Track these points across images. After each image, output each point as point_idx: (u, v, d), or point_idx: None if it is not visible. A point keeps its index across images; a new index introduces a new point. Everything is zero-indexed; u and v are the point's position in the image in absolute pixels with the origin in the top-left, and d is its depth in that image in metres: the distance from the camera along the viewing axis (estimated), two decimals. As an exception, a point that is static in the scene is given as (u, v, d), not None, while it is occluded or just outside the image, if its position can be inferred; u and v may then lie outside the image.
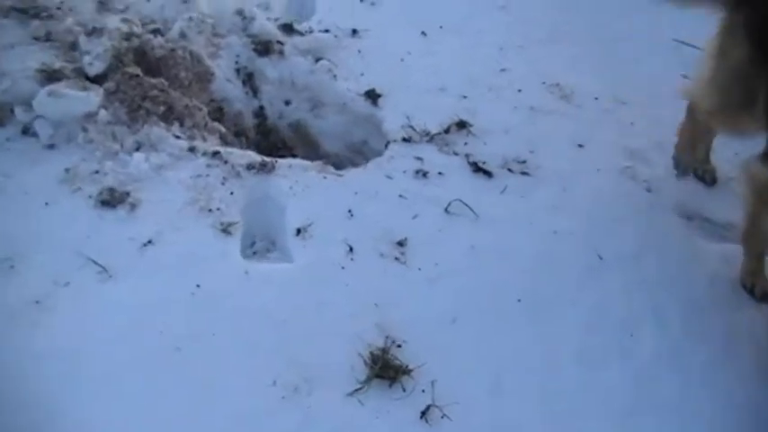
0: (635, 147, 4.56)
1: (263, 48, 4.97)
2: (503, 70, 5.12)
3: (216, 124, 4.56)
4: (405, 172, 4.29)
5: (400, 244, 3.94)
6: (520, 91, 4.96)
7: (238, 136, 4.73)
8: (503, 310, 3.54)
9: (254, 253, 3.99)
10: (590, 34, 5.45)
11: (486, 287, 3.62)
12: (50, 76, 4.40)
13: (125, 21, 4.84)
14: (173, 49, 4.62)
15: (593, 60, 5.23)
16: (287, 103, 4.93)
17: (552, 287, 3.67)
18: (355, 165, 4.60)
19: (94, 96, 4.30)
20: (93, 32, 4.67)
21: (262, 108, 4.92)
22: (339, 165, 4.62)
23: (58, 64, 4.48)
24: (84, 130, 4.24)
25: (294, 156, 4.79)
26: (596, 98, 4.97)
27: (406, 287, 3.64)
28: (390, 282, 3.68)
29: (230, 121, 4.78)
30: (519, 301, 3.59)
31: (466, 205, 4.04)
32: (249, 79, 4.93)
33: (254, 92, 4.93)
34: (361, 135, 4.85)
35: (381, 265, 3.77)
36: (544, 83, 5.06)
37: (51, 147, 4.17)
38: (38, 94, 4.26)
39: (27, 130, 4.23)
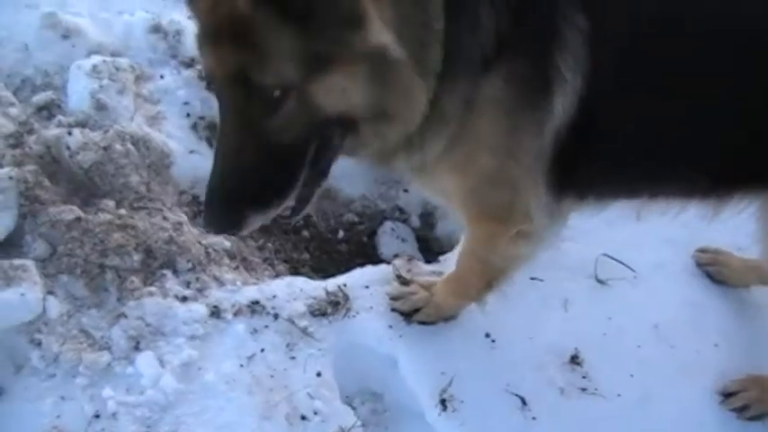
0: None
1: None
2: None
3: (214, 239, 2.84)
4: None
5: (575, 360, 2.66)
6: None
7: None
8: None
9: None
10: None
11: None
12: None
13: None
14: (105, 147, 2.72)
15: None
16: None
17: None
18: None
19: (28, 284, 2.48)
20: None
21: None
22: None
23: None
24: (37, 344, 2.48)
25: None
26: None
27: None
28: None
29: (216, 209, 3.04)
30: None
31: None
32: (214, 133, 3.11)
33: (229, 150, 3.13)
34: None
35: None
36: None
37: (-4, 394, 2.42)
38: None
39: (-63, 380, 2.44)
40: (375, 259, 3.13)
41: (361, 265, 2.95)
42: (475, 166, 1.99)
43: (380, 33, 1.63)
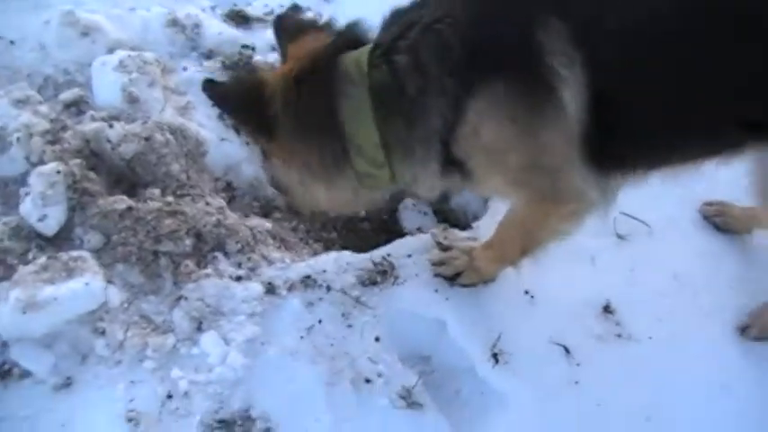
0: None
1: (244, 70, 3.19)
2: None
3: (256, 221, 2.94)
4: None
5: (607, 309, 2.86)
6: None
7: (269, 214, 3.12)
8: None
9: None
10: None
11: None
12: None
13: (22, 102, 2.86)
14: (147, 138, 2.78)
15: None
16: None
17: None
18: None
19: (90, 274, 2.53)
20: (1, 148, 2.73)
21: (272, 153, 3.26)
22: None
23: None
24: (101, 332, 2.53)
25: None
26: None
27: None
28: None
29: (247, 194, 3.13)
30: None
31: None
32: (240, 121, 3.19)
33: (254, 136, 3.22)
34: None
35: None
36: None
37: (66, 384, 2.45)
38: (-4, 313, 2.45)
39: (7, 372, 2.47)
40: (398, 233, 3.26)
41: (387, 240, 3.08)
42: (507, 165, 2.21)
43: (276, 168, 2.43)
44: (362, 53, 2.19)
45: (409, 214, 3.37)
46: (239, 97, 2.31)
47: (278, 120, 2.23)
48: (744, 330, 2.83)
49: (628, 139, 2.20)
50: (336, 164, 2.31)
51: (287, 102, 2.21)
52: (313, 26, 2.43)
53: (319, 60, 2.22)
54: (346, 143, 2.24)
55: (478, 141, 2.13)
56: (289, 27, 2.44)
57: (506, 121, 2.10)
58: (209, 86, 2.30)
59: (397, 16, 2.22)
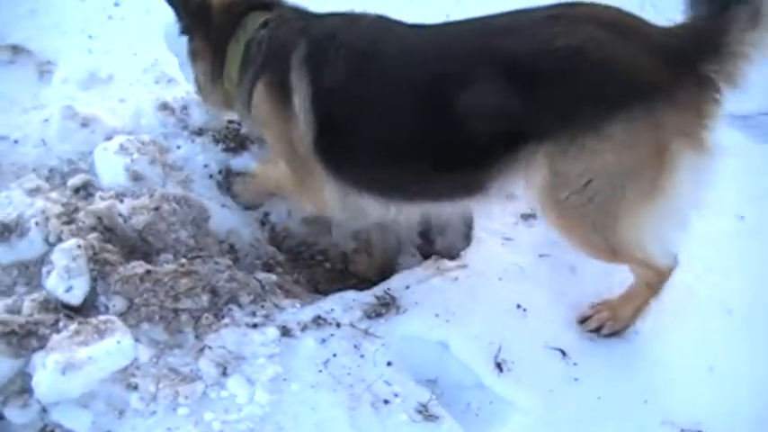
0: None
1: (234, 141, 3.51)
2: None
3: (262, 275, 3.19)
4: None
5: (593, 313, 3.13)
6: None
7: (271, 270, 3.37)
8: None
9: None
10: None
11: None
12: (24, 338, 2.74)
13: (35, 191, 3.13)
14: (156, 208, 3.05)
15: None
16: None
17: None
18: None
19: (120, 332, 2.75)
20: (20, 233, 2.97)
21: (266, 215, 3.55)
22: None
23: (22, 316, 2.79)
24: (134, 387, 2.73)
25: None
26: None
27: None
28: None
29: (249, 254, 3.39)
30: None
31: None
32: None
33: (250, 201, 3.51)
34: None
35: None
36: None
37: (106, 439, 2.64)
38: (35, 377, 2.66)
39: (50, 434, 2.65)
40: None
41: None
42: (270, 131, 3.13)
43: (197, 67, 3.38)
44: (258, 20, 3.09)
45: (401, 258, 3.64)
46: (192, 7, 3.19)
47: (208, 32, 3.20)
48: (583, 321, 3.10)
49: (346, 153, 2.94)
50: (216, 77, 3.25)
51: (215, 23, 3.17)
52: None
53: (240, 7, 3.15)
54: (223, 67, 3.19)
55: (256, 108, 3.09)
56: None
57: (266, 102, 3.02)
58: None
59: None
